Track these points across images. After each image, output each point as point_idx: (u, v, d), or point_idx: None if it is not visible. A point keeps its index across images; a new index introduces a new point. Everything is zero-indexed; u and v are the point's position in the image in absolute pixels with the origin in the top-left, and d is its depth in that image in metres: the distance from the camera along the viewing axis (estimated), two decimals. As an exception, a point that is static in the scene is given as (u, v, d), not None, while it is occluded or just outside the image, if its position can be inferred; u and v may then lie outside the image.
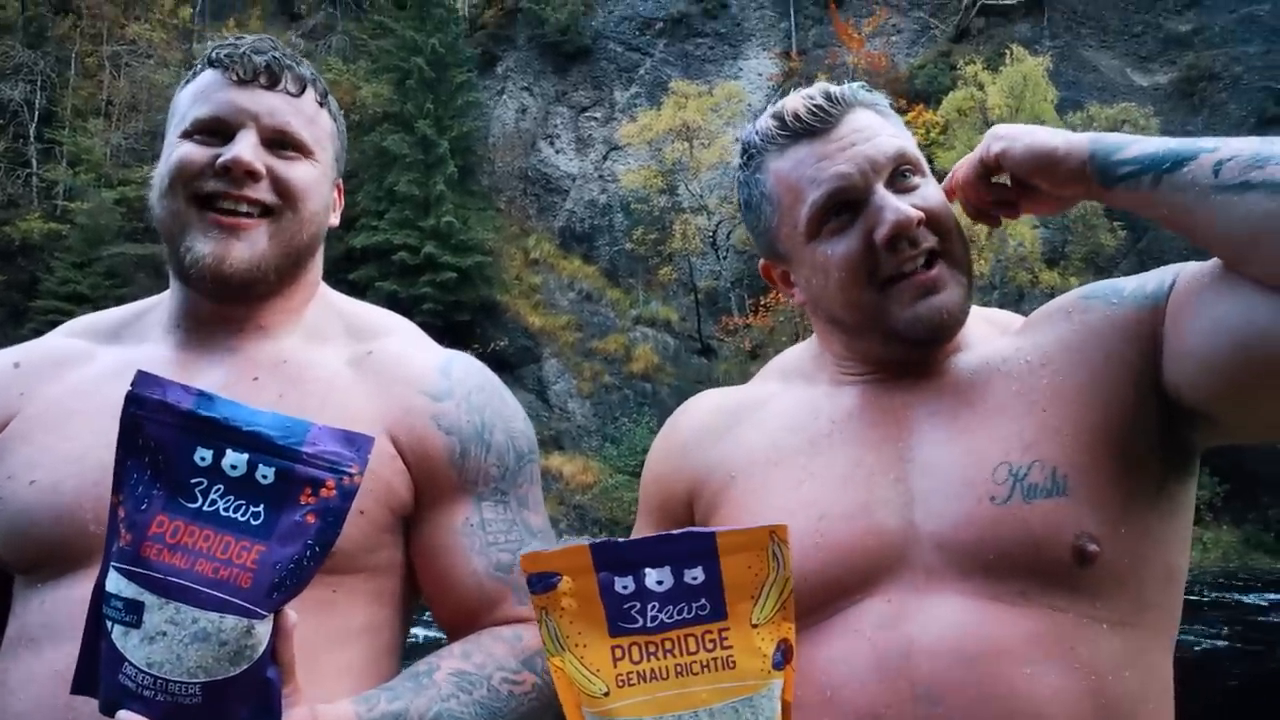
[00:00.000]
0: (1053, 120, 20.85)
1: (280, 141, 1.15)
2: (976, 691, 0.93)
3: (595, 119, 28.84)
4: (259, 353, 1.17)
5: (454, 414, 1.18)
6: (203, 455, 0.84)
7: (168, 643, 0.81)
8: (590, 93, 29.09)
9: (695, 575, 0.82)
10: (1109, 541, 0.96)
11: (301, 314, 1.23)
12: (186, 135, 1.15)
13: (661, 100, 25.85)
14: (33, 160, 26.95)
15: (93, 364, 1.19)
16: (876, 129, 1.08)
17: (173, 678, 0.81)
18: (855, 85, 1.14)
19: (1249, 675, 9.00)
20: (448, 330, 20.61)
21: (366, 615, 1.13)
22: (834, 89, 1.11)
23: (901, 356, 1.10)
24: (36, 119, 27.24)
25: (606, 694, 0.82)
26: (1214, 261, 0.96)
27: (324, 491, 0.85)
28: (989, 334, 1.14)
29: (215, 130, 1.14)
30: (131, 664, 0.82)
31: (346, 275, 23.51)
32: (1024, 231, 20.03)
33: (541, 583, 0.84)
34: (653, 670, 0.82)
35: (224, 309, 1.17)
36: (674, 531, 0.85)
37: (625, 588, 0.82)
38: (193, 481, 0.83)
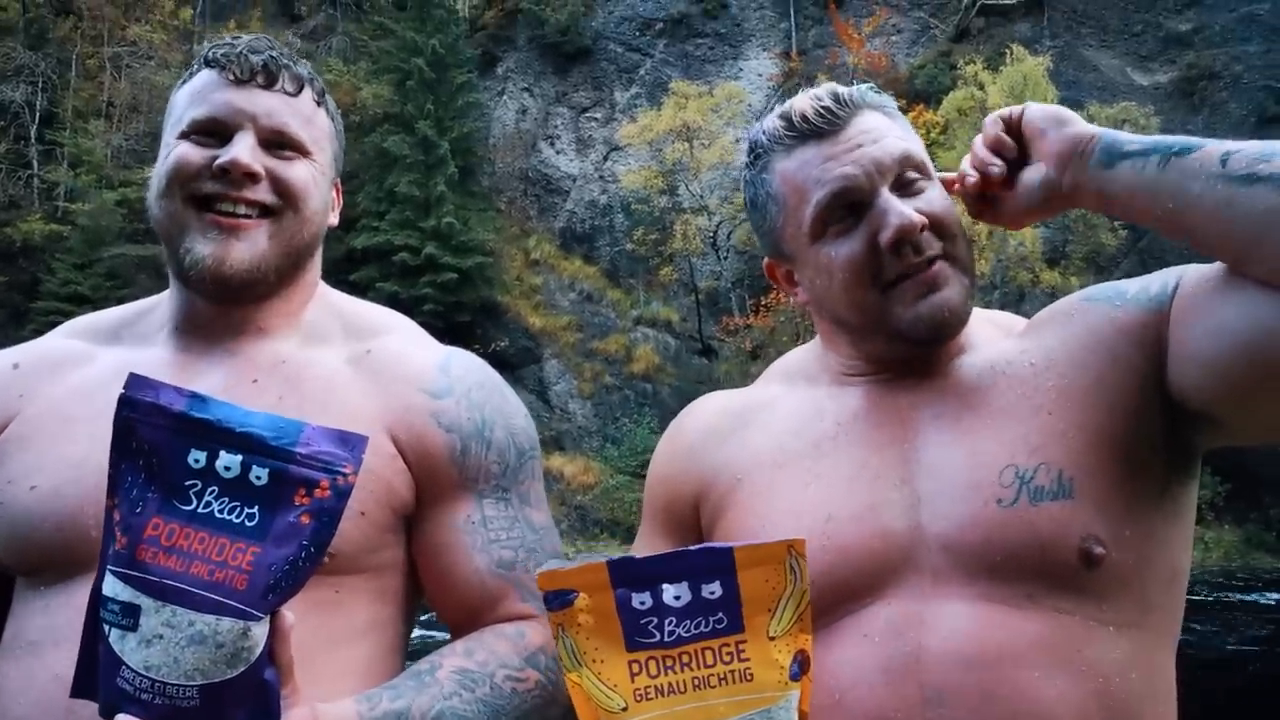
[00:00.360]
0: (1053, 120, 20.83)
1: (278, 142, 1.15)
2: (984, 694, 0.93)
3: (595, 119, 28.85)
4: (258, 354, 1.17)
5: (454, 411, 1.18)
6: (196, 457, 0.83)
7: (164, 645, 0.81)
8: (590, 93, 29.10)
9: (713, 590, 0.82)
10: (1115, 544, 0.96)
11: (300, 315, 1.22)
12: (184, 136, 1.14)
13: (662, 101, 25.85)
14: (34, 162, 26.98)
15: (92, 366, 1.18)
16: (883, 131, 1.08)
17: (170, 680, 0.81)
18: (864, 87, 1.14)
19: (1250, 675, 8.99)
20: (448, 331, 20.61)
21: (369, 614, 1.12)
22: (842, 90, 1.11)
23: (905, 355, 1.10)
24: (37, 120, 27.26)
25: (624, 709, 0.83)
26: (1217, 264, 0.95)
27: (318, 492, 0.85)
28: (992, 335, 1.14)
29: (212, 131, 1.13)
30: (129, 667, 0.81)
31: (347, 276, 23.51)
32: (1025, 231, 20.02)
33: (558, 600, 0.84)
34: (670, 684, 0.82)
35: (223, 310, 1.17)
36: (691, 548, 0.85)
37: (642, 603, 0.82)
38: (187, 484, 0.83)
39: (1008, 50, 22.34)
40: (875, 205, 1.04)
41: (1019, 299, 20.25)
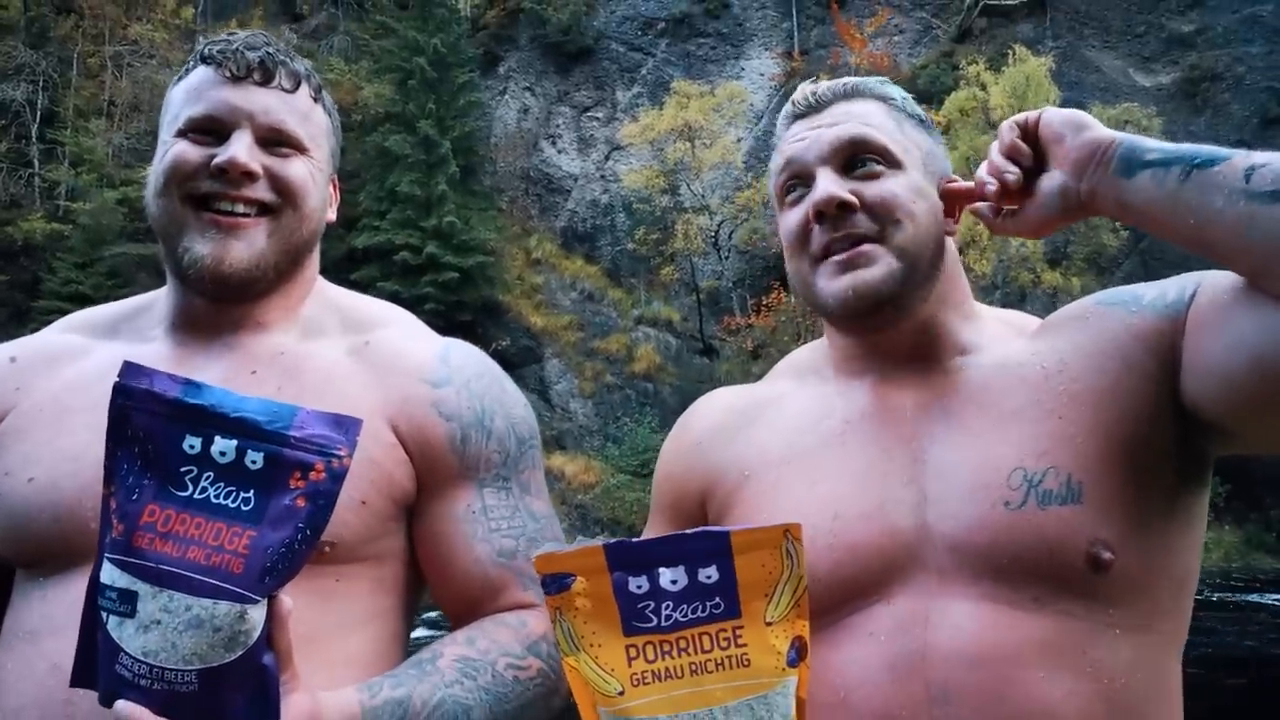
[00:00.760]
0: (1055, 120, 20.81)
1: (275, 140, 1.14)
2: (989, 693, 0.94)
3: (597, 119, 28.83)
4: (257, 347, 1.17)
5: (454, 400, 1.18)
6: (191, 443, 0.84)
7: (162, 631, 0.81)
8: (592, 93, 29.08)
9: (709, 574, 0.82)
10: (1123, 549, 0.96)
11: (299, 309, 1.23)
12: (180, 134, 1.13)
13: (663, 100, 25.82)
14: (35, 160, 26.97)
15: (89, 359, 1.18)
16: (859, 116, 1.12)
17: (168, 666, 0.81)
18: (875, 79, 1.18)
19: (1250, 675, 8.98)
20: (450, 330, 20.25)
21: (370, 604, 1.12)
22: (849, 80, 1.16)
23: (849, 333, 1.14)
24: (39, 119, 27.25)
25: (621, 693, 0.83)
26: (1235, 274, 0.94)
27: (313, 475, 0.85)
28: (1003, 334, 1.14)
29: (209, 129, 1.13)
30: (127, 654, 0.82)
31: (348, 275, 23.49)
32: (1026, 231, 19.96)
33: (555, 584, 0.84)
34: (667, 669, 0.82)
35: (222, 307, 1.17)
36: (688, 531, 0.85)
37: (639, 587, 0.82)
38: (182, 470, 0.83)
39: (1010, 51, 22.29)
40: (815, 181, 1.10)
41: (1020, 299, 20.23)
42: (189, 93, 1.15)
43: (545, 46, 29.30)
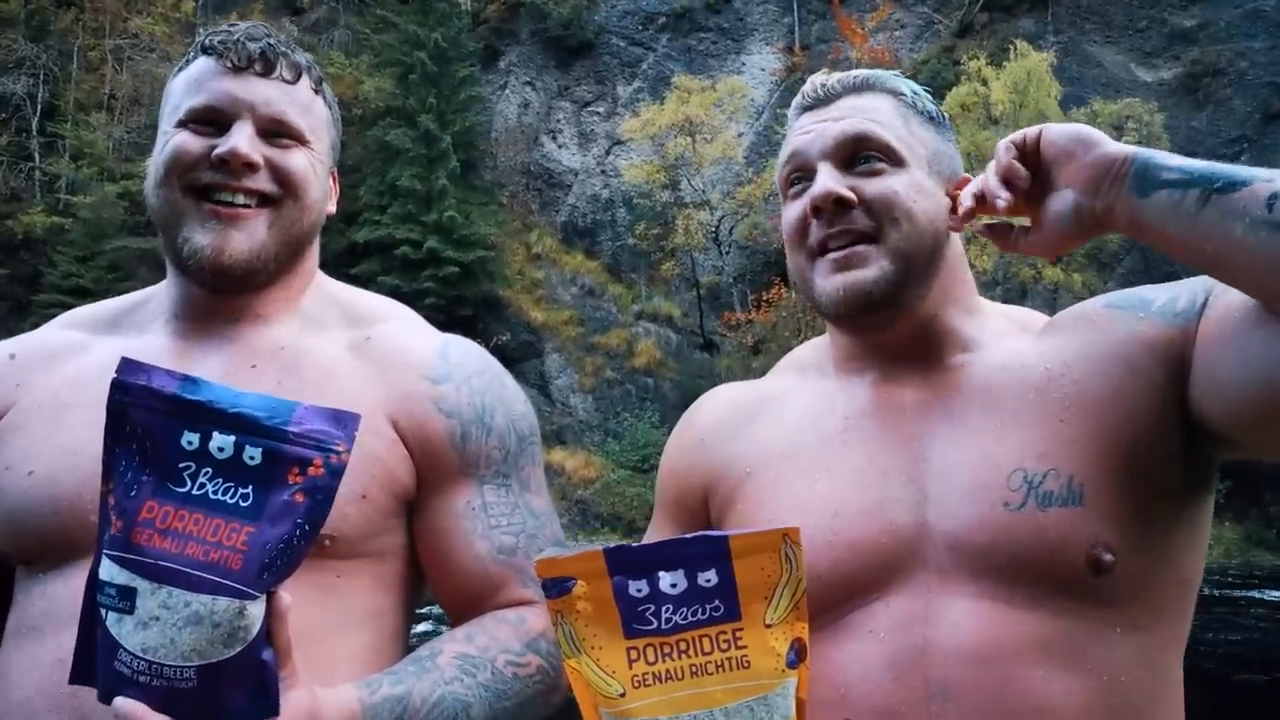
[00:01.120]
0: (1056, 116, 20.77)
1: (276, 131, 1.14)
2: (989, 690, 0.94)
3: (598, 114, 28.80)
4: (257, 340, 1.17)
5: (454, 397, 1.18)
6: (189, 439, 0.83)
7: (161, 627, 0.81)
8: (593, 87, 29.05)
9: (709, 578, 0.83)
10: (1125, 552, 0.96)
11: (299, 301, 1.22)
12: (181, 125, 1.13)
13: (664, 95, 25.80)
14: (35, 154, 26.94)
15: (89, 355, 1.18)
16: (865, 111, 1.11)
17: (167, 662, 0.81)
18: (889, 73, 1.17)
19: (1250, 672, 8.99)
20: (450, 325, 20.32)
21: (370, 600, 1.12)
22: (860, 73, 1.16)
23: (847, 331, 1.14)
24: (39, 113, 27.22)
25: (623, 695, 0.83)
26: None
27: (312, 470, 0.84)
28: (1006, 330, 1.14)
29: (210, 120, 1.12)
30: (127, 650, 0.81)
31: (349, 270, 23.48)
32: (1027, 227, 19.95)
33: (556, 587, 0.85)
34: (668, 671, 0.83)
35: (222, 299, 1.16)
36: (687, 535, 0.86)
37: (639, 591, 0.83)
38: (181, 466, 0.83)
39: (1011, 46, 22.24)
40: (816, 176, 1.10)
41: (1021, 295, 20.22)
42: (190, 83, 1.15)
43: (546, 41, 29.25)
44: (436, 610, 1.24)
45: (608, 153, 28.33)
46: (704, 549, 0.83)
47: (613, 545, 0.85)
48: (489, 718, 1.06)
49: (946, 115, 1.20)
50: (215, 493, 0.83)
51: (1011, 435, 1.02)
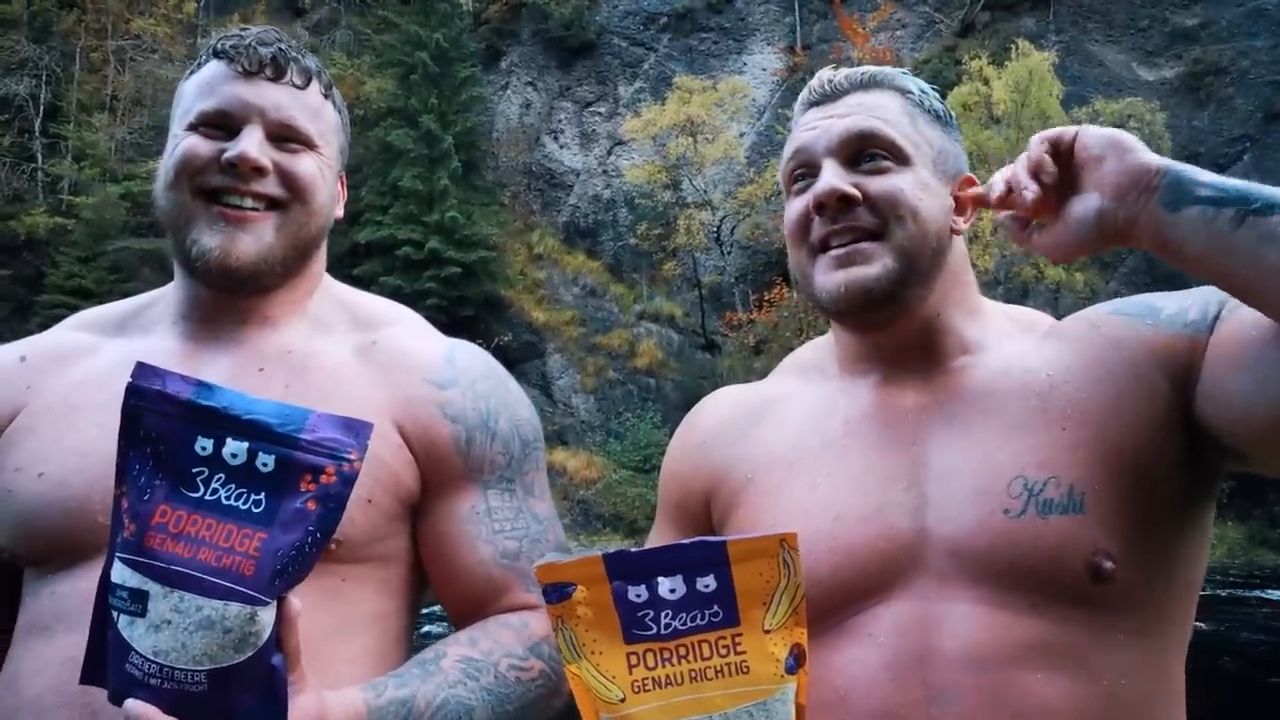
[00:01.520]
0: (1058, 115, 20.74)
1: (285, 135, 1.15)
2: (988, 695, 0.93)
3: (599, 114, 28.80)
4: (264, 344, 1.17)
5: (459, 402, 1.19)
6: (203, 445, 0.84)
7: (173, 631, 0.81)
8: (594, 87, 29.04)
9: (707, 583, 0.83)
10: (1126, 560, 0.95)
11: (306, 305, 1.23)
12: (192, 128, 1.14)
13: (666, 95, 25.79)
14: (38, 155, 26.96)
15: (98, 357, 1.19)
16: (872, 109, 1.10)
17: (179, 665, 0.81)
18: (897, 70, 1.16)
19: (1254, 672, 8.98)
20: (452, 325, 20.55)
21: (375, 604, 1.13)
22: (868, 70, 1.14)
23: (849, 330, 1.13)
24: (42, 114, 27.23)
25: (623, 700, 0.84)
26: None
27: (324, 478, 0.85)
28: (1008, 331, 1.13)
29: (220, 124, 1.14)
30: (138, 653, 0.82)
31: (350, 270, 23.50)
32: (1029, 227, 19.91)
33: (556, 593, 0.85)
34: (667, 676, 0.83)
35: (229, 301, 1.17)
36: (685, 541, 0.86)
37: (639, 596, 0.84)
38: (194, 471, 0.84)
39: (1013, 45, 22.22)
40: (820, 172, 1.09)
41: (1023, 295, 20.20)
42: (201, 86, 1.16)
43: (547, 41, 29.25)
44: (439, 611, 1.25)
45: (609, 153, 28.33)
46: (702, 554, 0.84)
47: (612, 550, 0.86)
48: None
49: (953, 115, 1.19)
50: (228, 498, 0.83)
51: (1012, 442, 1.01)
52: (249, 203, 1.13)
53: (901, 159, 1.08)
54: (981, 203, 1.06)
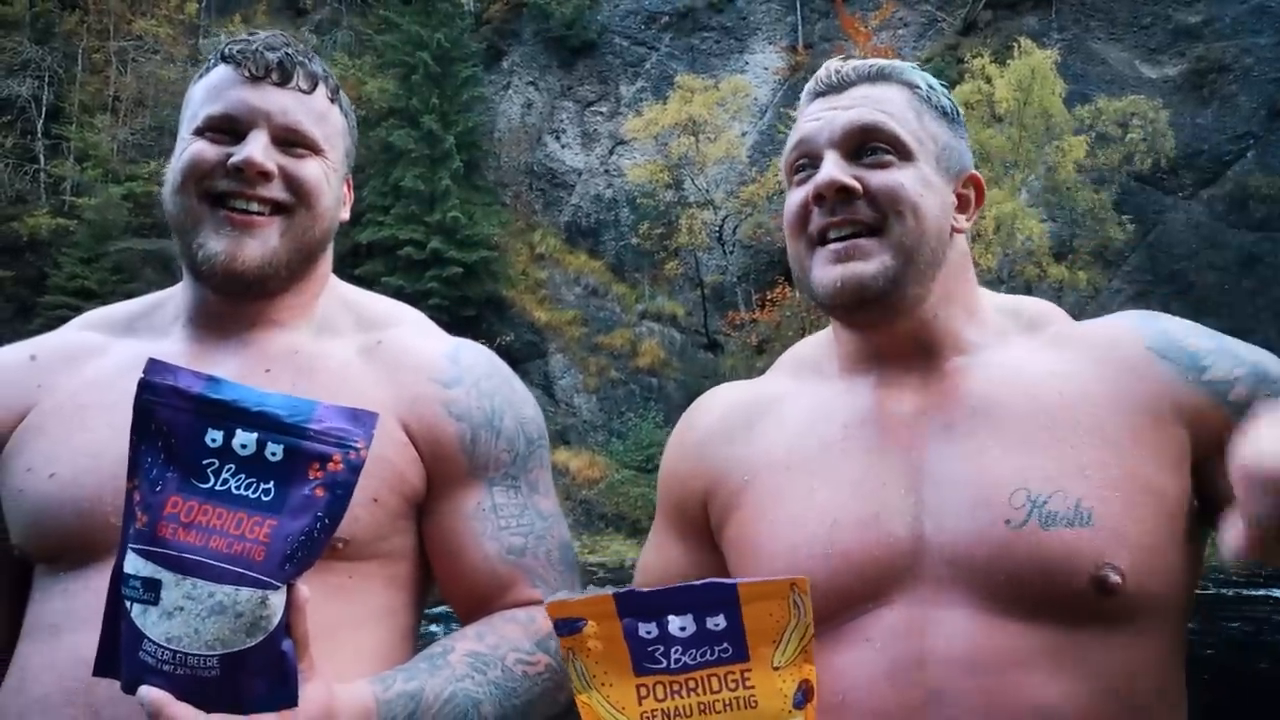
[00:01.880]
0: (1060, 113, 20.72)
1: (291, 140, 1.16)
2: (987, 697, 0.93)
3: (601, 113, 28.77)
4: (271, 345, 1.19)
5: (464, 400, 1.20)
6: (214, 437, 0.86)
7: (185, 617, 0.83)
8: (596, 87, 29.02)
9: (717, 622, 0.84)
10: (1134, 573, 0.94)
11: (312, 307, 1.24)
12: (199, 133, 1.16)
13: (667, 94, 25.74)
14: (40, 156, 26.95)
15: (107, 357, 1.20)
16: (877, 102, 1.09)
17: (191, 651, 0.83)
18: (906, 64, 1.16)
19: (1257, 670, 8.96)
20: (454, 325, 20.38)
21: (382, 600, 1.14)
22: (876, 62, 1.13)
23: (848, 327, 1.12)
24: (44, 115, 27.21)
25: None
26: None
27: (332, 466, 0.87)
28: (1011, 331, 1.12)
29: (227, 129, 1.15)
30: (151, 640, 0.83)
31: (352, 270, 23.50)
32: (1032, 226, 19.91)
33: (567, 626, 0.86)
34: (676, 708, 0.85)
35: (236, 304, 1.18)
36: (695, 583, 0.86)
37: (649, 633, 0.85)
38: (205, 462, 0.86)
39: (1015, 44, 22.14)
40: (821, 163, 1.08)
41: (1026, 293, 20.09)
42: (208, 91, 1.17)
43: (548, 41, 29.23)
44: (439, 612, 1.25)
45: (611, 152, 28.30)
46: (713, 595, 0.84)
47: (622, 590, 0.87)
48: (499, 715, 1.07)
49: (960, 111, 1.18)
50: (238, 488, 0.85)
51: (1016, 453, 1.00)
52: (255, 207, 1.14)
53: (904, 154, 1.07)
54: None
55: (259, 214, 1.14)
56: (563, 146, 28.98)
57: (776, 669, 0.85)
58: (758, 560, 1.08)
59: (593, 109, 28.92)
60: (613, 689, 0.86)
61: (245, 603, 0.83)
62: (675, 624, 0.84)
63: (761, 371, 1.31)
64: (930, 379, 1.09)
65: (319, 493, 0.86)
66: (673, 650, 0.84)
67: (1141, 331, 1.06)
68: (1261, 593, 13.95)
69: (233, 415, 0.86)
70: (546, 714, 1.14)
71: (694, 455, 1.20)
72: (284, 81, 1.17)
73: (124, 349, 1.21)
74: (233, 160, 1.12)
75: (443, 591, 1.22)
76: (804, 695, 0.86)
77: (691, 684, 0.84)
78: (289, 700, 0.87)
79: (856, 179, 1.05)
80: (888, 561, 1.00)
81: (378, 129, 25.78)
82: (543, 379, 24.56)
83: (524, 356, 24.13)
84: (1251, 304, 19.95)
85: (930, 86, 1.14)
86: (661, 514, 1.25)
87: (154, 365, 0.88)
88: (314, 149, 1.18)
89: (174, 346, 1.19)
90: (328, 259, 1.28)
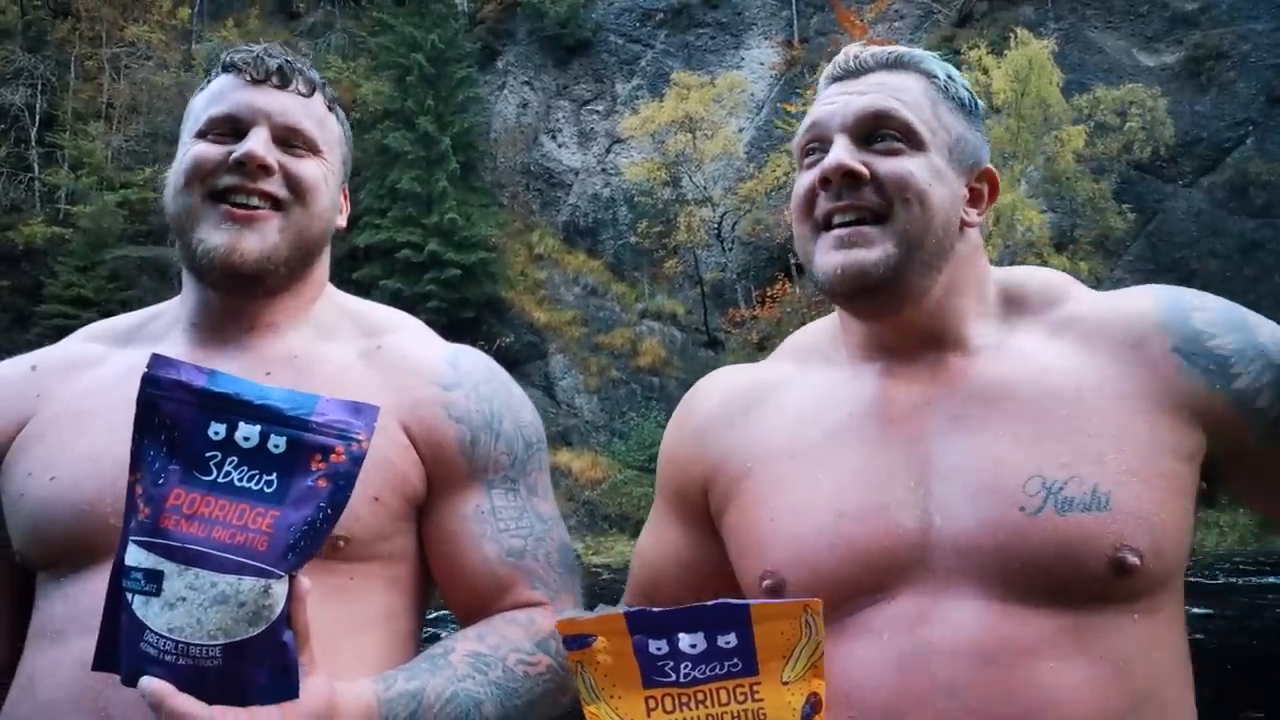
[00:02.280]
0: (1058, 104, 20.70)
1: (291, 139, 1.19)
2: (998, 686, 0.92)
3: (597, 112, 28.77)
4: (270, 349, 1.20)
5: (464, 403, 1.21)
6: (217, 429, 0.87)
7: (188, 607, 0.83)
8: (591, 85, 29.02)
9: (728, 640, 0.85)
10: (1152, 554, 0.95)
11: (310, 310, 1.26)
12: (201, 135, 1.18)
13: (663, 92, 25.77)
14: (35, 165, 26.98)
15: (106, 366, 1.22)
16: (892, 89, 1.09)
17: (194, 641, 0.83)
18: (928, 52, 1.15)
19: (1266, 658, 8.97)
20: (453, 327, 20.59)
21: (383, 603, 1.15)
22: (896, 49, 1.13)
23: (851, 314, 1.11)
24: (38, 123, 27.24)
25: None
26: None
27: (334, 457, 0.88)
28: (1019, 317, 1.10)
29: (229, 129, 1.17)
30: (153, 631, 0.84)
31: (350, 274, 23.52)
32: (1032, 216, 19.93)
33: (577, 642, 0.87)
34: None
35: (235, 304, 1.19)
36: (708, 603, 0.87)
37: (659, 649, 0.85)
38: (207, 455, 0.86)
39: (1012, 34, 22.14)
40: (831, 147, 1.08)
41: (1027, 285, 20.10)
42: (210, 97, 1.21)
43: (543, 40, 29.23)
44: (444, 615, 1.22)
45: (608, 151, 28.30)
46: (725, 615, 0.85)
47: (633, 609, 0.87)
48: (500, 715, 1.08)
49: (980, 104, 1.16)
50: (241, 480, 0.86)
51: (1027, 441, 1.00)
52: (255, 201, 1.16)
53: (915, 143, 1.07)
54: None
55: (259, 208, 1.16)
56: (559, 146, 28.98)
57: (786, 683, 0.85)
58: (760, 549, 1.07)
59: (589, 108, 28.91)
60: (621, 701, 0.86)
61: (248, 592, 0.84)
62: (686, 641, 0.85)
63: (763, 369, 1.27)
64: (939, 369, 1.08)
65: (321, 483, 0.87)
66: (682, 665, 0.85)
67: (1167, 328, 1.04)
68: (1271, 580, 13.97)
69: (236, 408, 0.87)
70: (547, 715, 1.15)
71: (694, 440, 1.20)
72: (284, 85, 1.20)
73: (123, 358, 1.22)
74: (234, 154, 1.14)
75: (442, 593, 1.23)
76: (812, 708, 0.86)
77: (700, 696, 0.84)
78: (290, 692, 0.87)
79: (865, 165, 1.05)
80: (895, 553, 0.99)
81: (373, 131, 25.80)
82: (543, 380, 24.55)
83: (524, 358, 24.12)
84: (1254, 291, 19.91)
85: (950, 77, 1.13)
86: (661, 499, 1.25)
87: (157, 360, 0.89)
88: (313, 149, 1.21)
89: (174, 350, 1.18)
90: (324, 263, 1.29)
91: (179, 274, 1.25)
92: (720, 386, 1.23)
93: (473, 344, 1.35)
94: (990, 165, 1.14)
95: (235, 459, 0.86)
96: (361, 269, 24.48)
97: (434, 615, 1.36)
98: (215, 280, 1.16)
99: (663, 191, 25.65)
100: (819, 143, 1.10)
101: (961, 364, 1.07)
